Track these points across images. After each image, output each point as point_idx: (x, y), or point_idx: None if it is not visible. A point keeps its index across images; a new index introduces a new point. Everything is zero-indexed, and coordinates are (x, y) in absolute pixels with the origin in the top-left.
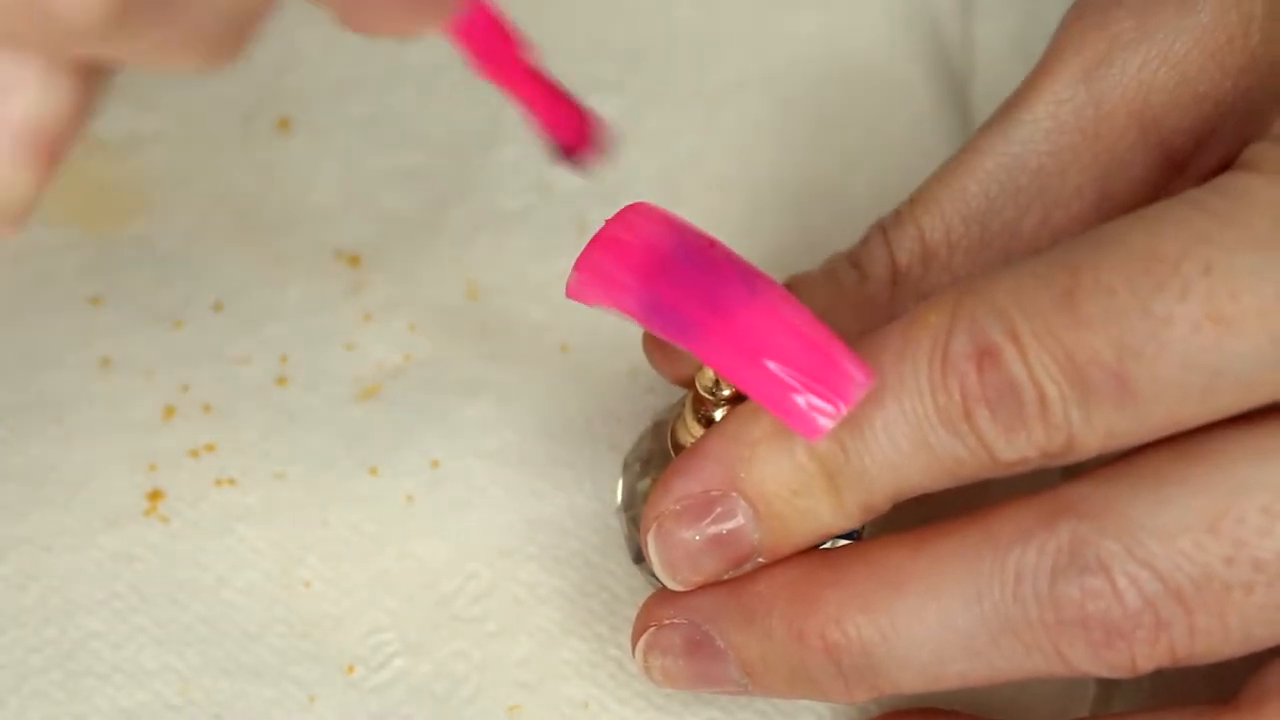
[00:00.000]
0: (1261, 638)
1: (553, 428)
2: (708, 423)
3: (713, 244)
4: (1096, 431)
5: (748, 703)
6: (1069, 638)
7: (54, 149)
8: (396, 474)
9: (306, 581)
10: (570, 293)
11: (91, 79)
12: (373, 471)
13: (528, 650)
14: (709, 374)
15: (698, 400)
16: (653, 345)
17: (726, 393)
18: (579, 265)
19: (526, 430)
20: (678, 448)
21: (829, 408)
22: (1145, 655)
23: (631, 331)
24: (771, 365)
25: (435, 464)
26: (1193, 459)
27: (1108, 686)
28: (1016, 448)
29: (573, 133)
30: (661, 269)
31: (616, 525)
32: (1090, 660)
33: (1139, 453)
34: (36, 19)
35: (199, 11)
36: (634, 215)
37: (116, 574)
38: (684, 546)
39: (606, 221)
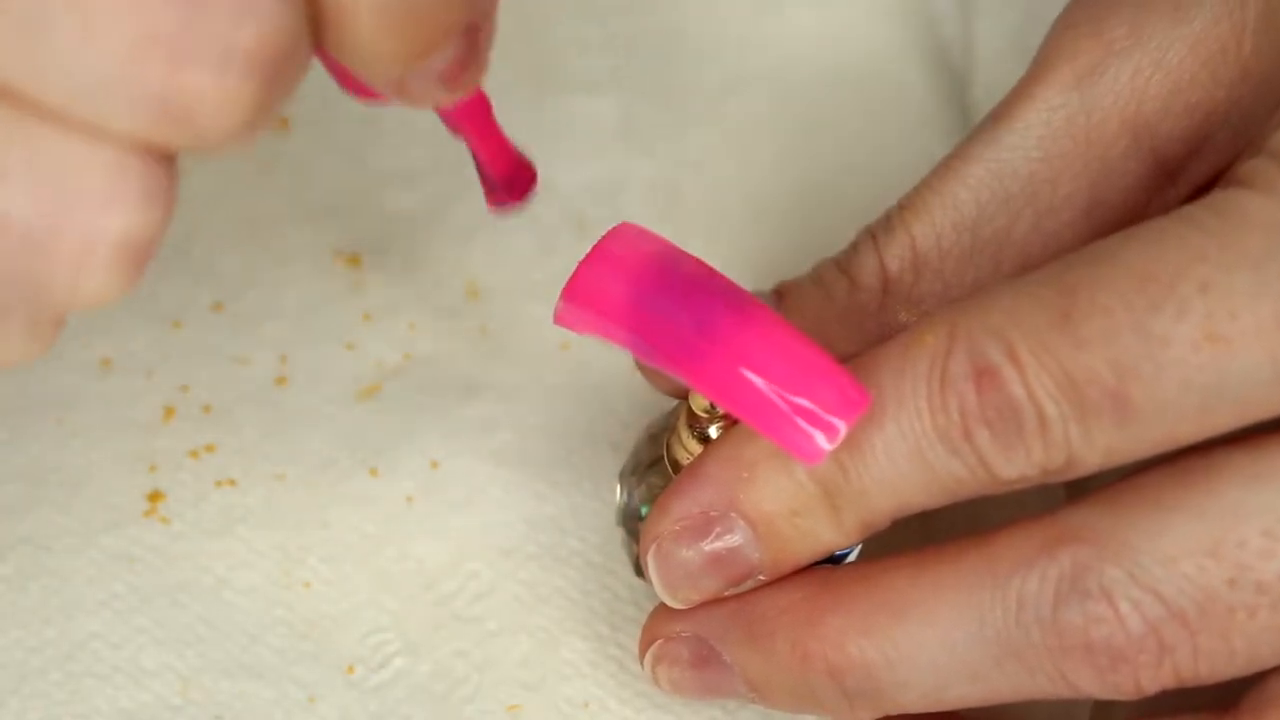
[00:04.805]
0: (1265, 659)
1: (553, 427)
2: (703, 439)
3: (699, 267)
4: (1096, 449)
5: (748, 701)
6: (1073, 663)
7: (143, 258)
8: (396, 474)
9: (306, 582)
10: (559, 320)
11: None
12: (372, 472)
13: (528, 650)
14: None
15: (692, 417)
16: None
17: (722, 409)
18: (565, 295)
19: (526, 430)
20: (674, 464)
21: (827, 432)
22: (1149, 678)
23: None
24: (765, 390)
25: (435, 464)
26: (1193, 483)
27: None
28: (1016, 466)
29: (513, 177)
30: (647, 298)
31: (617, 527)
32: (1094, 684)
33: (1139, 476)
34: (179, 131)
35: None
36: (617, 241)
37: (116, 574)
38: (683, 567)
39: (591, 248)
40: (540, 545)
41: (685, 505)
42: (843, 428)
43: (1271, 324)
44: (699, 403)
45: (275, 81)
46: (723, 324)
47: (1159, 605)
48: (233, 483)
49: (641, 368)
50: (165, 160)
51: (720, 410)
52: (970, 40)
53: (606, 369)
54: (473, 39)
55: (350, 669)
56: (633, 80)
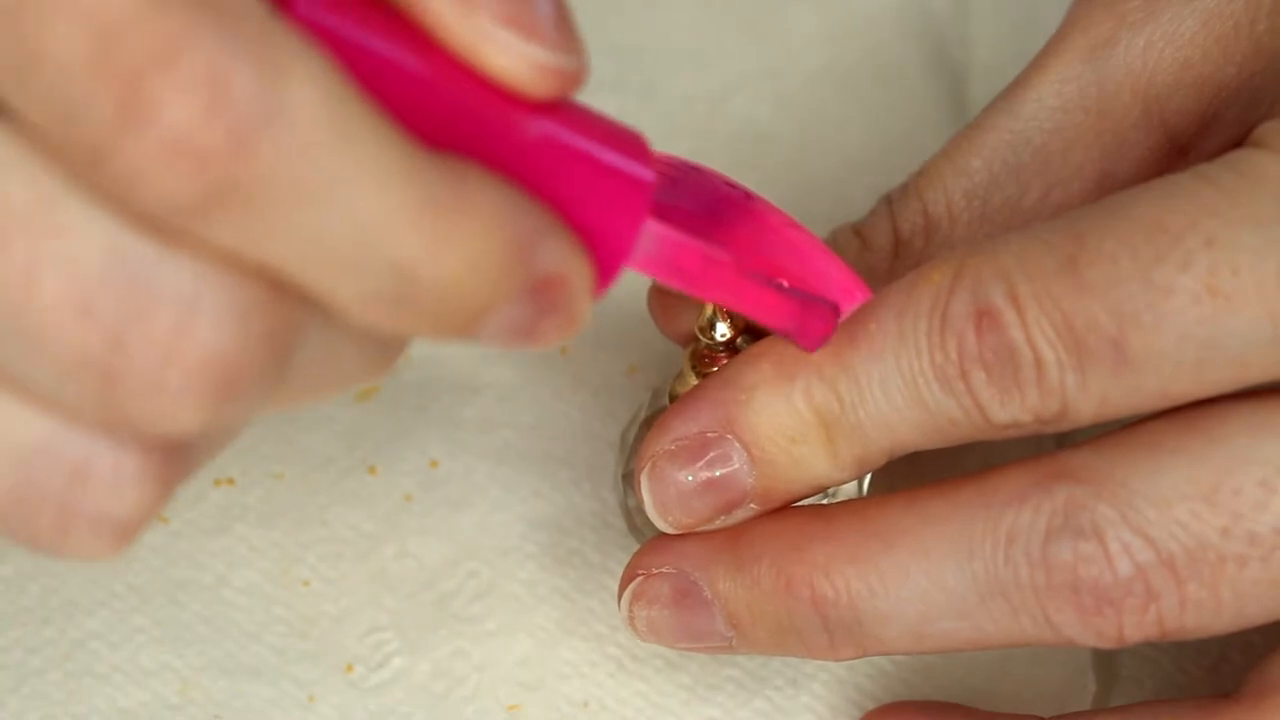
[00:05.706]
0: (1252, 614)
1: (552, 427)
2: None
3: (713, 173)
4: (1091, 398)
5: (746, 701)
6: (1058, 602)
7: (125, 534)
8: (395, 473)
9: (305, 581)
10: None
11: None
12: (371, 470)
13: (527, 649)
14: (707, 311)
15: (696, 357)
16: (655, 301)
17: (722, 336)
18: None
19: (525, 430)
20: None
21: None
22: (1133, 624)
23: (630, 331)
24: (769, 274)
25: (434, 463)
26: (1193, 430)
27: (1107, 684)
28: (1010, 410)
29: (801, 326)
30: (665, 190)
31: (615, 518)
32: (1078, 627)
33: (1139, 422)
34: (120, 426)
35: (321, 370)
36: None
37: (116, 574)
38: (677, 487)
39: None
40: (539, 545)
41: (683, 425)
42: (838, 313)
43: (1273, 283)
44: (701, 323)
45: (233, 394)
46: (730, 213)
47: (1149, 549)
48: (231, 481)
49: (652, 310)
50: (134, 445)
51: (720, 337)
52: (969, 40)
53: (605, 370)
54: (545, 295)
55: (349, 668)
56: (634, 80)
